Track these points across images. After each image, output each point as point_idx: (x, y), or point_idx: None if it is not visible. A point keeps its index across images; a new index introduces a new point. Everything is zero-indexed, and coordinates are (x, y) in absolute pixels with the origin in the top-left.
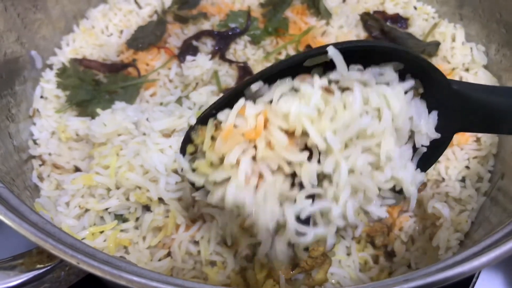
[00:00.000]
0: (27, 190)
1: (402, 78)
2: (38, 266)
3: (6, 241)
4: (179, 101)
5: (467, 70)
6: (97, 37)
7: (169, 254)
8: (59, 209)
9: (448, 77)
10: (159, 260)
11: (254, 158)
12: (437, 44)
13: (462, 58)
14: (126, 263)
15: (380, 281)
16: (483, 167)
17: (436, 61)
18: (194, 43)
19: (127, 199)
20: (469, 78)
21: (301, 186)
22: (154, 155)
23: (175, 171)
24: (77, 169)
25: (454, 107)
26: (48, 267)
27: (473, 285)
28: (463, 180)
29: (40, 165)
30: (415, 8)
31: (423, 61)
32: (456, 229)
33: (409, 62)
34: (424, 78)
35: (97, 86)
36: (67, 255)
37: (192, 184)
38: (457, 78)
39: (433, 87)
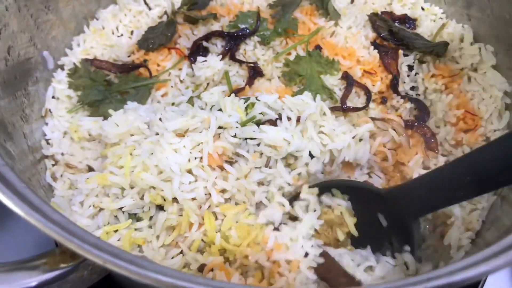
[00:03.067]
0: (42, 189)
1: None
2: (61, 265)
3: (13, 240)
4: (190, 101)
5: (475, 70)
6: (107, 38)
7: (181, 252)
8: (74, 209)
9: (456, 77)
10: (172, 258)
11: None
12: (445, 45)
13: (471, 59)
14: (150, 262)
15: (404, 280)
16: None
17: (445, 62)
18: (204, 43)
19: (141, 198)
20: (477, 78)
21: None
22: (169, 155)
23: (189, 171)
24: (90, 169)
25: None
26: (72, 267)
27: (484, 283)
28: None
29: (53, 165)
30: (423, 9)
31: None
32: (467, 228)
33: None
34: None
35: (108, 86)
36: (93, 255)
37: None
38: (465, 79)
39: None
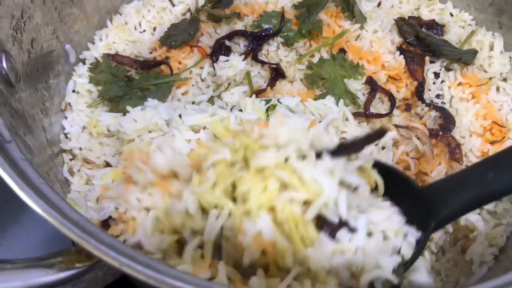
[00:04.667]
0: (59, 183)
1: None
2: (77, 265)
3: (26, 235)
4: (211, 100)
5: (504, 80)
6: (130, 33)
7: None
8: (89, 204)
9: (484, 86)
10: None
11: None
12: (474, 53)
13: (500, 68)
14: (167, 266)
15: None
16: None
17: (472, 70)
18: (227, 42)
19: None
20: (507, 88)
21: None
22: (181, 145)
23: None
24: (107, 165)
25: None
26: (87, 267)
27: None
28: None
29: (70, 159)
30: (452, 15)
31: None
32: (490, 244)
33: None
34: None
35: (129, 82)
36: (109, 257)
37: None
38: (494, 88)
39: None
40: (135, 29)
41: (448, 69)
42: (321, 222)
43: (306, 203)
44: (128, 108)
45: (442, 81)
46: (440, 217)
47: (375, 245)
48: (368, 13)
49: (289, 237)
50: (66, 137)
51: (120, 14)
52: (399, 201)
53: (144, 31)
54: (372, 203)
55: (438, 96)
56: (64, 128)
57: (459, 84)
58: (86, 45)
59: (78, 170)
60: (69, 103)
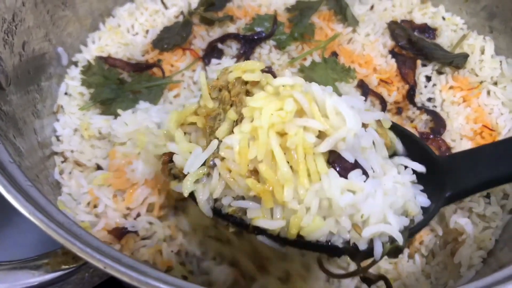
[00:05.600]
0: (49, 186)
1: None
2: (63, 267)
3: (20, 236)
4: None
5: (495, 84)
6: (122, 36)
7: None
8: (80, 207)
9: (475, 90)
10: None
11: None
12: (465, 56)
13: (491, 72)
14: (152, 268)
15: None
16: (509, 184)
17: (464, 74)
18: (219, 45)
19: None
20: (497, 92)
21: None
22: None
23: None
24: (98, 167)
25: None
26: (73, 268)
27: None
28: (487, 196)
29: (62, 162)
30: (444, 18)
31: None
32: (479, 247)
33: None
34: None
35: (121, 85)
36: (94, 259)
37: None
38: (484, 92)
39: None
40: (128, 31)
41: (439, 73)
42: (333, 159)
43: (321, 137)
44: (119, 111)
45: (434, 85)
46: (455, 190)
47: (386, 199)
48: (360, 16)
49: (294, 168)
50: (58, 140)
51: (113, 17)
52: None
53: (137, 33)
54: (388, 161)
55: (429, 99)
56: (55, 131)
57: (451, 87)
58: (78, 47)
59: (70, 173)
60: (61, 106)
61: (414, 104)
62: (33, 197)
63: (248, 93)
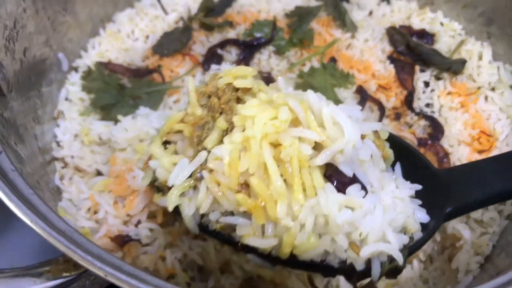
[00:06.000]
0: (50, 192)
1: None
2: (65, 274)
3: (22, 242)
4: None
5: (493, 89)
6: (123, 41)
7: None
8: (81, 213)
9: (473, 96)
10: None
11: None
12: (463, 62)
13: (488, 77)
14: (152, 276)
15: None
16: None
17: (462, 79)
18: (219, 51)
19: None
20: (495, 97)
21: None
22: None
23: None
24: (99, 173)
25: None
26: (74, 276)
27: None
28: None
29: (62, 167)
30: (442, 24)
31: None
32: (476, 252)
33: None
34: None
35: (121, 90)
36: (95, 267)
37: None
38: (482, 98)
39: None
40: (128, 37)
41: (438, 78)
42: (330, 173)
43: (317, 149)
44: (119, 117)
45: (432, 90)
46: (456, 206)
47: (385, 216)
48: (359, 21)
49: (288, 182)
50: (58, 145)
51: (114, 22)
52: (412, 181)
53: (137, 39)
54: (385, 175)
55: (427, 105)
56: (56, 136)
57: (449, 93)
58: (79, 53)
59: (70, 178)
60: (62, 111)
61: (412, 110)
62: (35, 205)
63: (239, 100)
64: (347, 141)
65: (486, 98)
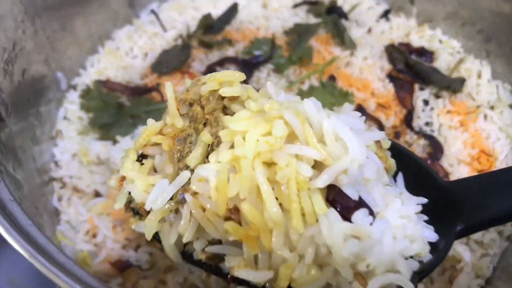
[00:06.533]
0: (48, 215)
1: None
2: None
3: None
4: None
5: (492, 108)
6: (121, 59)
7: None
8: (79, 236)
9: (472, 114)
10: None
11: None
12: (462, 81)
13: (488, 96)
14: None
15: None
16: None
17: (461, 98)
18: (218, 69)
19: None
20: (494, 116)
21: None
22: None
23: None
24: (97, 194)
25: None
26: None
27: None
28: None
29: (61, 188)
30: (441, 41)
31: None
32: (477, 274)
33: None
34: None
35: (120, 109)
36: None
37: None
38: (481, 116)
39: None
40: (127, 54)
41: (437, 96)
42: (333, 197)
43: (317, 168)
44: (118, 137)
45: (431, 109)
46: (469, 223)
47: (396, 244)
48: (358, 39)
49: (285, 207)
50: (57, 165)
51: (113, 40)
52: (415, 194)
53: (136, 57)
54: (389, 190)
55: (427, 123)
56: (54, 156)
57: (448, 111)
58: (77, 71)
59: (68, 199)
60: (60, 130)
61: (412, 129)
62: (33, 237)
63: (225, 109)
64: (352, 159)
65: (485, 117)
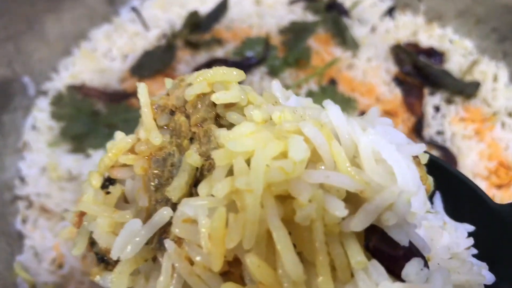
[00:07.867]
0: (7, 240)
1: None
2: None
3: None
4: None
5: (510, 115)
6: (98, 61)
7: None
8: (43, 266)
9: (488, 122)
10: None
11: None
12: (476, 85)
13: (505, 102)
14: None
15: None
16: None
17: (475, 104)
18: None
19: None
20: None
21: None
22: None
23: None
24: None
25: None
26: None
27: None
28: None
29: (26, 208)
30: (451, 41)
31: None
32: None
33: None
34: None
35: (95, 117)
36: None
37: None
38: (499, 125)
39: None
40: (105, 56)
41: (449, 102)
42: (375, 243)
43: (351, 201)
44: (91, 151)
45: (443, 116)
46: None
47: None
48: (361, 39)
49: (307, 259)
50: (23, 182)
51: (89, 40)
52: (462, 220)
53: (115, 59)
54: (431, 218)
55: (438, 132)
56: (20, 171)
57: (461, 119)
58: (48, 75)
59: (34, 221)
60: (27, 142)
61: (422, 139)
62: None
63: (218, 119)
64: (401, 191)
65: (503, 125)
